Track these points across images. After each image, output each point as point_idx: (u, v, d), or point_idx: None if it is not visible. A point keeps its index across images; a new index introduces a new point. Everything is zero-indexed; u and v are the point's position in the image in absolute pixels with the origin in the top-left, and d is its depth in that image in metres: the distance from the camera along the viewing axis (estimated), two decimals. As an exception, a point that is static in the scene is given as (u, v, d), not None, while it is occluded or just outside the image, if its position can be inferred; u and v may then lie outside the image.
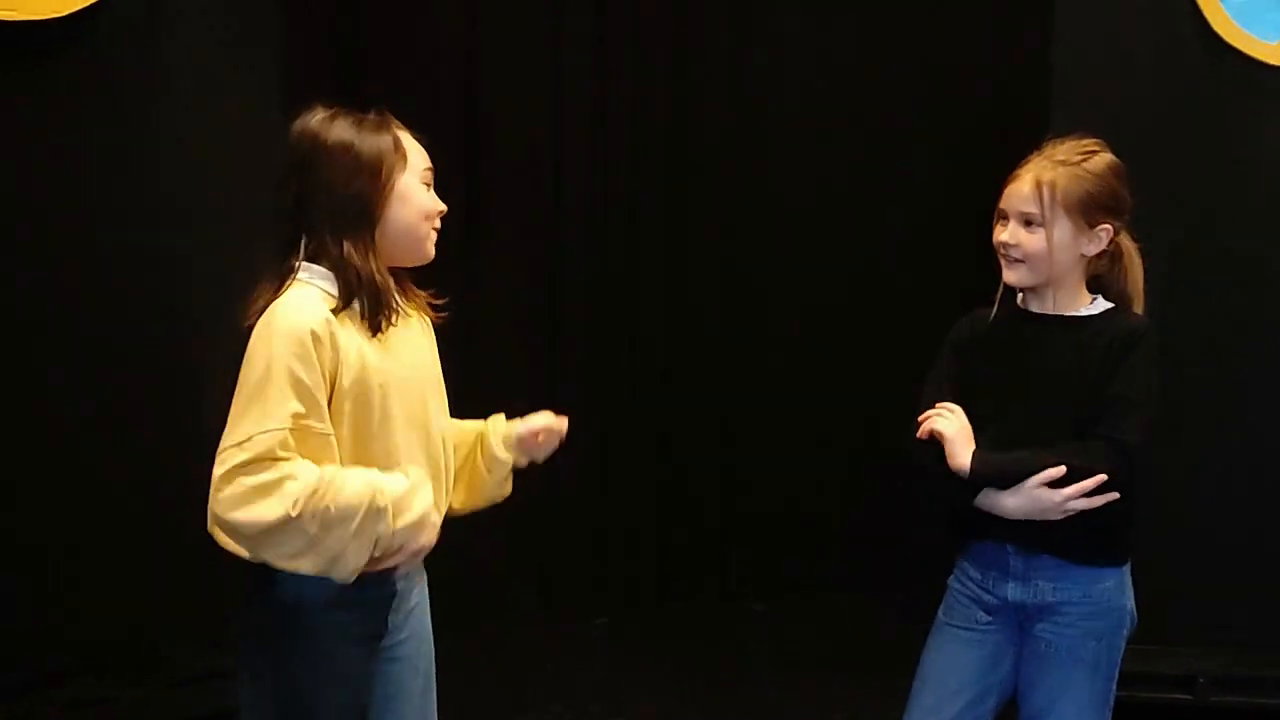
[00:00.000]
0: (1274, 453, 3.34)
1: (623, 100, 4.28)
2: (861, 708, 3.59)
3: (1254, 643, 3.40)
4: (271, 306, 1.92)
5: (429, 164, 2.06)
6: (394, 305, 1.99)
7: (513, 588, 4.25)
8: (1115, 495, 2.11)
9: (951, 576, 2.35)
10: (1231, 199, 3.31)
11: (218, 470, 1.83)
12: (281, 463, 1.82)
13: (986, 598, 2.27)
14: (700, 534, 4.51)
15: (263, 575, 1.91)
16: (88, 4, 2.90)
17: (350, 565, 1.87)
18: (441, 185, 2.09)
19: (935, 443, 2.20)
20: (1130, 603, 2.26)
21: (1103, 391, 2.13)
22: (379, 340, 1.97)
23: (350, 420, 1.92)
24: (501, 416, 2.23)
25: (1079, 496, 2.10)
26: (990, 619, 2.27)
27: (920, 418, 2.23)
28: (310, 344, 1.86)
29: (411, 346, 2.07)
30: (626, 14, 4.25)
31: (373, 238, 1.97)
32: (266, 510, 1.80)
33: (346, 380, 1.90)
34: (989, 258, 2.28)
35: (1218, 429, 3.34)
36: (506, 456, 2.20)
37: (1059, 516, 2.12)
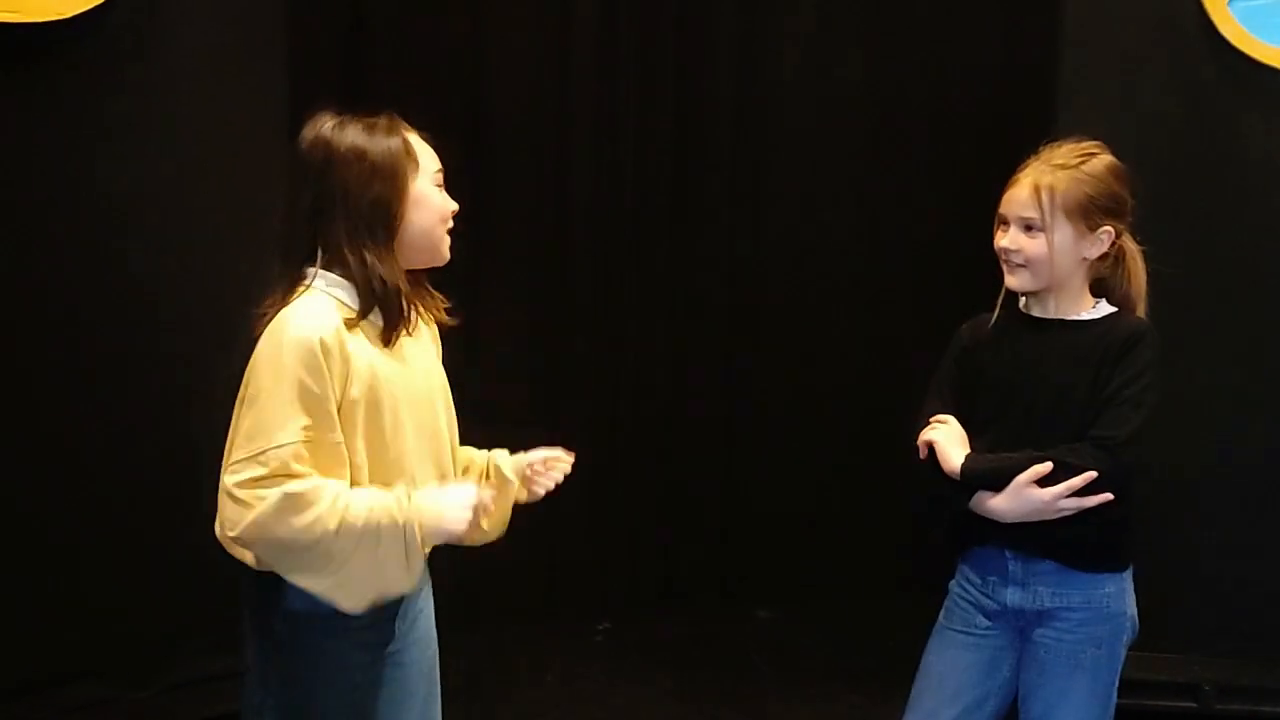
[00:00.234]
0: (1281, 458, 3.33)
1: (629, 103, 4.28)
2: (864, 713, 3.58)
3: (1259, 651, 3.39)
4: (281, 314, 1.91)
5: (439, 165, 2.06)
6: (410, 316, 1.98)
7: (515, 592, 4.23)
8: (1108, 496, 2.10)
9: (952, 581, 2.34)
10: (1239, 203, 3.30)
11: (229, 480, 1.83)
12: (298, 479, 1.82)
13: (986, 603, 2.26)
14: (703, 538, 4.50)
15: (272, 583, 1.91)
16: (90, 7, 2.89)
17: (357, 592, 1.87)
18: (447, 189, 2.08)
19: (931, 448, 2.21)
20: (1131, 609, 2.25)
21: (1101, 394, 2.13)
22: (391, 350, 1.97)
23: (363, 431, 1.91)
24: (505, 451, 2.22)
25: (1068, 495, 2.09)
26: (990, 624, 2.26)
27: (919, 439, 2.23)
28: (320, 354, 1.85)
29: (422, 355, 2.07)
30: (633, 17, 4.25)
31: (392, 245, 1.96)
32: (285, 526, 1.81)
33: (356, 390, 1.89)
34: (993, 261, 2.27)
35: (1225, 433, 3.32)
36: (515, 480, 2.19)
37: (1052, 516, 2.11)
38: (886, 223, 4.41)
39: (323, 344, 1.86)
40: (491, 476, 2.18)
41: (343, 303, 1.94)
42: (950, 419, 2.23)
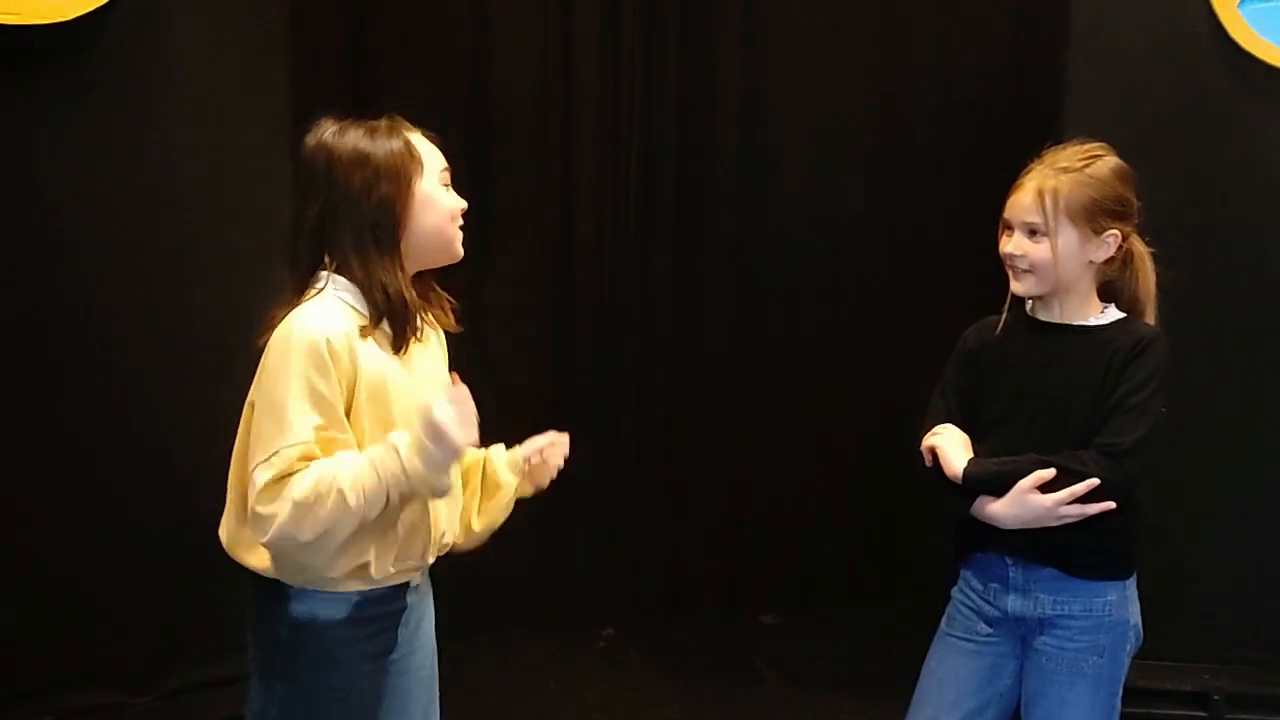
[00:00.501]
0: (1290, 465, 3.31)
1: (634, 105, 4.26)
2: (868, 719, 3.55)
3: (1270, 660, 3.37)
4: (289, 317, 1.91)
5: (445, 163, 2.04)
6: (418, 322, 1.98)
7: (517, 598, 4.22)
8: (1110, 504, 2.08)
9: (954, 587, 2.33)
10: (1247, 206, 3.28)
11: (250, 495, 1.83)
12: (300, 475, 1.81)
13: (987, 609, 2.24)
14: (707, 544, 4.48)
15: (276, 591, 1.92)
16: (92, 8, 2.88)
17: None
18: (454, 187, 2.06)
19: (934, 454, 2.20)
20: (1135, 618, 2.22)
21: (1107, 401, 2.10)
22: (400, 356, 1.96)
23: (369, 436, 1.91)
24: (501, 446, 2.20)
25: (1070, 502, 2.07)
26: (991, 631, 2.25)
27: (922, 445, 2.22)
28: (327, 354, 1.85)
29: (429, 360, 2.06)
30: (638, 18, 4.23)
31: (399, 251, 1.95)
32: (307, 527, 1.80)
33: (363, 394, 1.89)
34: (999, 265, 2.25)
35: (1233, 441, 3.30)
36: (511, 480, 2.17)
37: (1054, 523, 2.09)
38: (892, 225, 4.38)
39: (329, 345, 1.85)
40: (487, 480, 2.17)
41: (354, 308, 1.94)
42: (950, 426, 2.21)
